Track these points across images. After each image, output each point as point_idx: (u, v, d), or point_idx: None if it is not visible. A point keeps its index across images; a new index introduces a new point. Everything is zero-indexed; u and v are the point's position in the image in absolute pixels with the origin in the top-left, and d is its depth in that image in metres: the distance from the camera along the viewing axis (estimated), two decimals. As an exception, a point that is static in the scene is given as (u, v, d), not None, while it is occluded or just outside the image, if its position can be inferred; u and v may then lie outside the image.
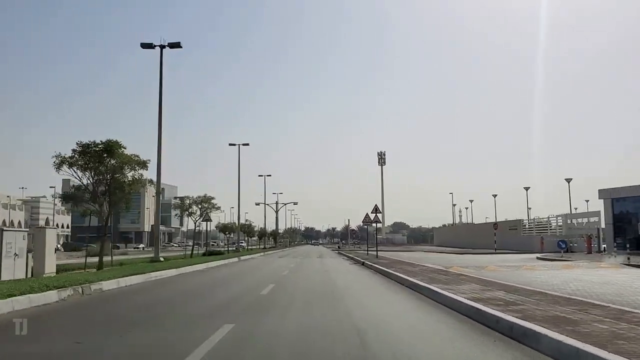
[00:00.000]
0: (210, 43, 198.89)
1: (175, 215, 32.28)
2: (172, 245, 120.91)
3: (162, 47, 24.15)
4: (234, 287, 13.00)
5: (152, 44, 24.04)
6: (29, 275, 14.34)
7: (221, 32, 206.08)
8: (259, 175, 71.56)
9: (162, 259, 23.96)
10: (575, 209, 59.30)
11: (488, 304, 7.75)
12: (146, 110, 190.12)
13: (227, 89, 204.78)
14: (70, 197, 17.41)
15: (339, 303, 9.41)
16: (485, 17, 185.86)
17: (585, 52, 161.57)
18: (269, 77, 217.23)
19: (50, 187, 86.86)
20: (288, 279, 15.46)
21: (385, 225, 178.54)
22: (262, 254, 45.40)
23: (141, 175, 18.13)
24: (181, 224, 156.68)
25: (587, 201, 65.39)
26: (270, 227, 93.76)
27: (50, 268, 15.68)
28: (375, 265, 20.95)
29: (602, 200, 30.33)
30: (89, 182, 17.28)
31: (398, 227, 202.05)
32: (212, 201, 29.67)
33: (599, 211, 34.36)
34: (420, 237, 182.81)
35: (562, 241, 27.83)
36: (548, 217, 44.43)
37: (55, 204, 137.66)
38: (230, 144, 47.47)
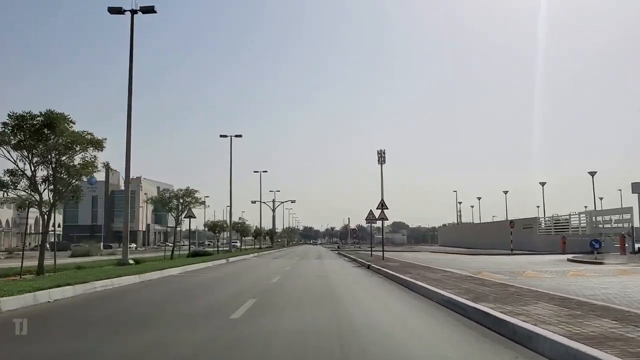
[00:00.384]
0: (210, 43, 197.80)
1: (153, 211, 28.34)
2: (168, 245, 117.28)
3: (133, 12, 20.64)
4: (197, 304, 9.40)
5: (121, 8, 20.57)
6: None
7: (221, 32, 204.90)
8: (255, 172, 68.06)
9: (131, 261, 20.38)
10: (585, 207, 55.89)
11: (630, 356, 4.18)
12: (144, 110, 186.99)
13: (227, 89, 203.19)
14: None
15: (352, 340, 5.82)
16: (485, 17, 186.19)
17: (586, 52, 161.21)
18: (268, 77, 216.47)
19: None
20: (276, 290, 11.86)
21: (385, 225, 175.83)
22: (256, 254, 41.80)
23: (94, 157, 14.50)
24: (177, 223, 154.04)
25: (601, 198, 61.87)
26: (268, 226, 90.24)
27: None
28: (385, 270, 17.37)
29: (637, 195, 26.79)
30: (26, 165, 13.66)
31: (398, 226, 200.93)
32: (196, 195, 26.08)
33: (631, 207, 30.89)
34: (420, 237, 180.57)
35: (595, 241, 24.33)
36: (569, 215, 40.92)
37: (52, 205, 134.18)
38: (221, 136, 43.96)
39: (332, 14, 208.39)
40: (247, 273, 18.49)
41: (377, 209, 26.90)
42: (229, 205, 44.15)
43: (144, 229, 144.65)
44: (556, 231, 40.58)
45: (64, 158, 13.90)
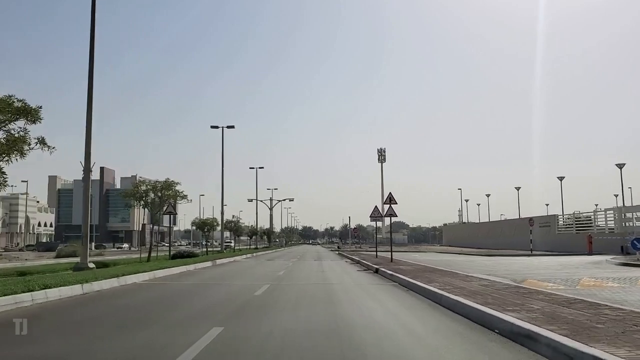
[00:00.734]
0: (210, 43, 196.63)
1: (126, 205, 24.83)
2: (164, 245, 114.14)
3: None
4: (114, 346, 5.99)
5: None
6: None
7: (222, 31, 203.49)
8: (250, 168, 64.75)
9: (92, 265, 17.00)
10: (596, 205, 52.53)
11: None
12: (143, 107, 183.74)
13: (227, 89, 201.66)
14: None
15: None
16: (485, 18, 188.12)
17: (586, 51, 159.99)
18: (268, 78, 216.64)
19: (23, 181, 79.47)
20: (257, 311, 8.40)
21: (385, 225, 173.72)
22: (249, 255, 38.41)
23: (25, 130, 11.11)
24: (173, 222, 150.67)
25: (616, 195, 58.52)
26: (266, 225, 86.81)
27: None
28: (400, 276, 14.00)
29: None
30: None
31: (397, 226, 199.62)
32: (177, 188, 22.61)
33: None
34: (421, 237, 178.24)
35: (638, 240, 20.93)
36: (594, 212, 37.55)
37: (38, 201, 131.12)
38: (212, 127, 40.54)
39: (332, 16, 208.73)
40: (228, 280, 15.08)
41: (384, 203, 23.51)
42: (225, 204, 40.77)
43: (139, 229, 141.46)
44: (577, 230, 37.22)
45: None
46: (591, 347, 4.47)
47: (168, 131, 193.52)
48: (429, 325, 6.95)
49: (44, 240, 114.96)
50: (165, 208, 23.19)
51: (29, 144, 10.96)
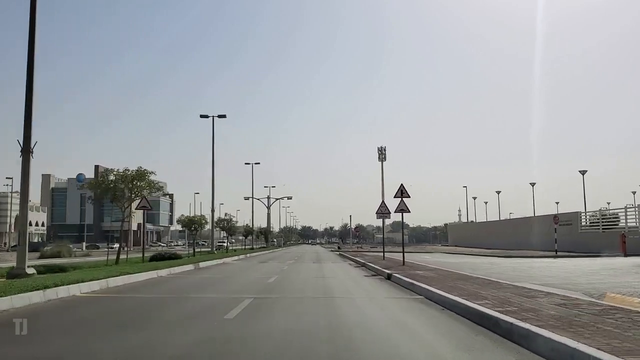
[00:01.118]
0: (211, 42, 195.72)
1: (89, 199, 21.22)
2: (160, 245, 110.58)
3: None
4: None
5: None
6: None
7: (222, 31, 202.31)
8: (246, 163, 61.44)
9: (31, 270, 13.60)
10: (608, 203, 49.16)
11: None
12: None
13: (227, 89, 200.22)
14: None
15: None
16: (484, 18, 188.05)
17: (586, 51, 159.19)
18: (268, 78, 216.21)
19: (7, 177, 75.97)
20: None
21: (386, 224, 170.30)
22: (242, 256, 34.99)
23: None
24: (170, 222, 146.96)
25: (633, 192, 55.11)
26: (263, 224, 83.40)
27: None
28: (425, 287, 10.62)
29: None
30: None
31: (398, 226, 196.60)
32: (151, 178, 19.11)
33: None
34: (422, 237, 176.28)
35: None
36: (625, 208, 34.09)
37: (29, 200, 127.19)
38: (202, 116, 37.16)
39: (332, 16, 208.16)
40: (201, 292, 11.59)
41: (395, 197, 20.10)
42: (221, 203, 37.35)
43: (135, 228, 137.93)
44: (604, 228, 33.80)
45: None
46: None
47: (168, 131, 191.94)
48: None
49: (36, 240, 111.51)
50: (139, 202, 19.81)
51: None
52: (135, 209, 20.76)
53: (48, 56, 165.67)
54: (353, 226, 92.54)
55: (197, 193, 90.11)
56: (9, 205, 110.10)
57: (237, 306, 8.32)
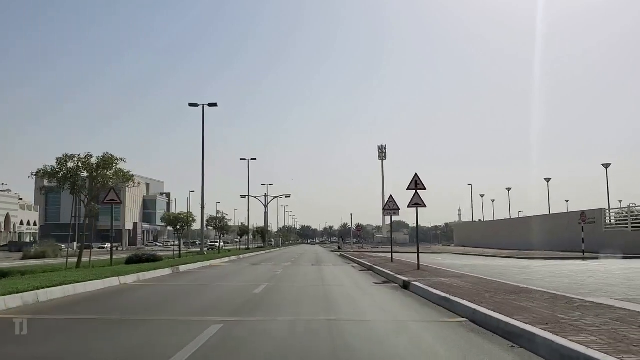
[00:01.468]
0: (211, 42, 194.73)
1: (41, 191, 17.87)
2: (156, 245, 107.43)
3: None
4: None
5: None
6: None
7: (222, 31, 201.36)
8: (242, 159, 58.42)
9: None
10: (620, 201, 46.19)
11: None
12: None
13: (227, 89, 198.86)
14: None
15: None
16: (485, 18, 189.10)
17: (586, 51, 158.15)
18: (268, 78, 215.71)
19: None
20: None
21: (386, 224, 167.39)
22: (234, 258, 31.89)
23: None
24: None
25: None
26: (261, 223, 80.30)
27: None
28: (469, 305, 7.59)
29: None
30: None
31: (398, 225, 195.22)
32: (119, 166, 15.94)
33: None
34: (422, 236, 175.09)
35: None
36: (659, 204, 31.14)
37: (20, 198, 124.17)
38: (190, 104, 34.09)
39: (332, 16, 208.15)
40: (152, 314, 8.37)
41: (408, 188, 17.01)
42: (218, 202, 34.26)
43: (130, 228, 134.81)
44: (634, 227, 30.76)
45: None
46: None
47: (168, 131, 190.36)
48: None
49: (28, 239, 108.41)
50: (106, 195, 16.74)
51: None
52: (102, 203, 17.74)
53: (48, 56, 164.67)
54: (354, 225, 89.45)
55: (192, 191, 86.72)
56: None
57: (189, 344, 5.24)
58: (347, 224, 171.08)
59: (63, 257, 40.58)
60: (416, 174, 17.07)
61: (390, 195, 22.69)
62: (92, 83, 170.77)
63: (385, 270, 16.39)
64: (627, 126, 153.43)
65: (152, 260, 20.87)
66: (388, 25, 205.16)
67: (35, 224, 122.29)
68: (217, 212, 39.43)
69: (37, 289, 9.30)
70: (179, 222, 26.86)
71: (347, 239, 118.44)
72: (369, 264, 21.14)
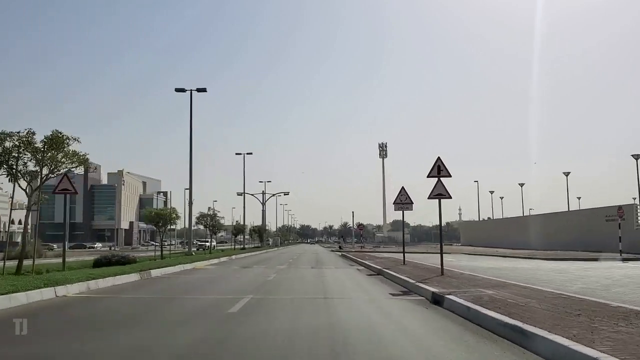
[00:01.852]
0: (211, 42, 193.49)
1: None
2: (152, 244, 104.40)
3: None
4: None
5: None
6: None
7: (222, 31, 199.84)
8: (237, 154, 55.25)
9: None
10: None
11: None
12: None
13: (227, 89, 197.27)
14: None
15: None
16: (484, 18, 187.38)
17: (586, 51, 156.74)
18: (268, 78, 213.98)
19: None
20: None
21: (387, 223, 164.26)
22: (224, 259, 28.73)
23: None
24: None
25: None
26: (259, 222, 77.09)
27: None
28: (571, 346, 4.35)
29: None
30: None
31: (398, 225, 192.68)
32: (73, 147, 12.76)
33: None
34: (423, 236, 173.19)
35: None
36: None
37: (11, 197, 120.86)
38: (176, 89, 30.97)
39: (332, 16, 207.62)
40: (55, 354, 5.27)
41: (429, 176, 13.84)
42: (215, 200, 31.07)
43: (127, 227, 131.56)
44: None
45: None
46: None
47: (168, 131, 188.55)
48: None
49: (19, 239, 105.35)
50: (58, 183, 13.57)
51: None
52: (52, 194, 14.61)
53: (48, 56, 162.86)
54: (355, 224, 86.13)
55: (187, 188, 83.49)
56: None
57: None
58: (347, 223, 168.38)
59: (47, 257, 37.68)
60: (439, 158, 13.91)
61: (402, 187, 19.59)
62: (92, 83, 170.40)
63: (400, 276, 13.24)
64: (627, 126, 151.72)
65: (122, 262, 17.72)
66: (388, 25, 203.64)
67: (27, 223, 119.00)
68: (209, 208, 36.32)
69: None
70: (161, 220, 23.71)
71: (348, 238, 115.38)
72: (378, 267, 18.00)
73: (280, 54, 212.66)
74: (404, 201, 19.37)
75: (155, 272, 15.72)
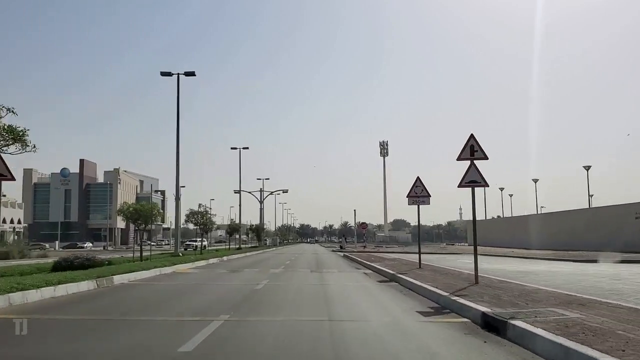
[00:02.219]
0: (211, 42, 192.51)
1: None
2: (148, 244, 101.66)
3: None
4: None
5: None
6: None
7: (221, 31, 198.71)
8: (232, 148, 52.40)
9: None
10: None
11: None
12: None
13: (226, 89, 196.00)
14: None
15: None
16: (484, 18, 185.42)
17: (586, 52, 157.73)
18: (267, 78, 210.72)
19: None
20: None
21: (388, 222, 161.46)
22: (213, 261, 25.80)
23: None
24: (163, 220, 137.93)
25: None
26: (255, 220, 74.21)
27: None
28: None
29: None
30: None
31: (399, 224, 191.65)
32: (4, 121, 9.85)
33: None
34: (424, 235, 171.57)
35: None
36: None
37: (4, 195, 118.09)
38: (162, 73, 28.08)
39: (332, 16, 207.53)
40: None
41: (459, 158, 10.91)
42: (212, 199, 28.15)
43: (123, 226, 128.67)
44: None
45: None
46: None
47: (168, 131, 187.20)
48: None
49: (11, 238, 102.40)
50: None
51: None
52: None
53: (48, 56, 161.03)
54: (355, 223, 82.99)
55: (183, 186, 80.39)
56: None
57: None
58: (347, 222, 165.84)
59: (30, 257, 34.90)
60: (472, 136, 10.96)
61: (418, 178, 16.66)
62: (92, 83, 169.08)
63: (425, 286, 10.31)
64: (627, 126, 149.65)
65: (85, 265, 14.80)
66: (388, 25, 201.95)
67: (20, 222, 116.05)
68: (199, 205, 33.33)
69: None
70: (141, 217, 20.82)
71: (349, 238, 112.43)
72: (390, 271, 15.06)
73: (280, 53, 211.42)
74: (419, 194, 16.45)
75: (119, 279, 12.80)
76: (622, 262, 19.83)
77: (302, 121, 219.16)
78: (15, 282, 9.29)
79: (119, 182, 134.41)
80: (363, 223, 51.77)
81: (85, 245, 79.57)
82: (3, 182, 10.05)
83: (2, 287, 8.58)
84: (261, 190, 67.68)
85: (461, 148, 10.84)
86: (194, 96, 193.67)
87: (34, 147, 10.28)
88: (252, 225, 67.55)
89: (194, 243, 46.45)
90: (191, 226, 37.11)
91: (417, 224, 14.72)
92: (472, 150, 10.87)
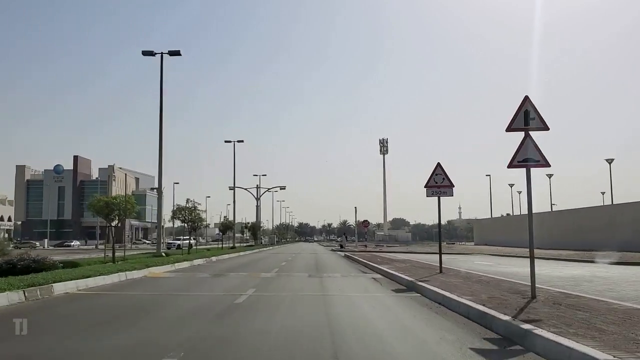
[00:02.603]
0: (210, 42, 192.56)
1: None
2: (144, 242, 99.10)
3: None
4: None
5: None
6: None
7: (220, 31, 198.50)
8: (226, 141, 49.67)
9: None
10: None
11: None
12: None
13: (225, 87, 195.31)
14: None
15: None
16: (484, 18, 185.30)
17: (586, 52, 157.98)
18: (267, 78, 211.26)
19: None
20: None
21: (387, 221, 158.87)
22: (200, 261, 22.93)
23: None
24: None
25: None
26: (251, 218, 71.31)
27: None
28: None
29: None
30: None
31: (399, 223, 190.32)
32: None
33: None
34: (424, 234, 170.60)
35: None
36: None
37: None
38: (144, 52, 25.16)
39: (332, 16, 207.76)
40: None
41: (509, 128, 8.12)
42: (208, 196, 25.28)
43: (118, 225, 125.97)
44: None
45: None
46: None
47: (167, 131, 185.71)
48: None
49: (1, 236, 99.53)
50: None
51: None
52: None
53: (48, 56, 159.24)
54: (354, 222, 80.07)
55: (177, 183, 77.74)
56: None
57: None
58: (346, 221, 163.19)
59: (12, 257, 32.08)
60: (526, 98, 8.15)
61: (438, 164, 13.91)
62: (92, 83, 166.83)
63: (462, 301, 7.49)
64: (627, 126, 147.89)
65: (32, 269, 11.96)
66: (388, 25, 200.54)
67: (10, 220, 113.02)
68: (187, 200, 30.35)
69: None
70: (113, 211, 17.86)
71: (348, 237, 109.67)
72: (406, 278, 12.21)
73: (279, 53, 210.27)
74: (440, 183, 13.65)
75: (62, 288, 9.96)
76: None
77: (302, 121, 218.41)
78: None
79: (114, 179, 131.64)
80: (365, 221, 48.81)
81: (72, 243, 76.65)
82: None
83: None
84: (257, 187, 64.86)
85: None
86: (193, 96, 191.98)
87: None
88: (248, 223, 64.67)
89: (178, 242, 43.51)
90: (178, 223, 34.18)
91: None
92: (526, 116, 8.05)
